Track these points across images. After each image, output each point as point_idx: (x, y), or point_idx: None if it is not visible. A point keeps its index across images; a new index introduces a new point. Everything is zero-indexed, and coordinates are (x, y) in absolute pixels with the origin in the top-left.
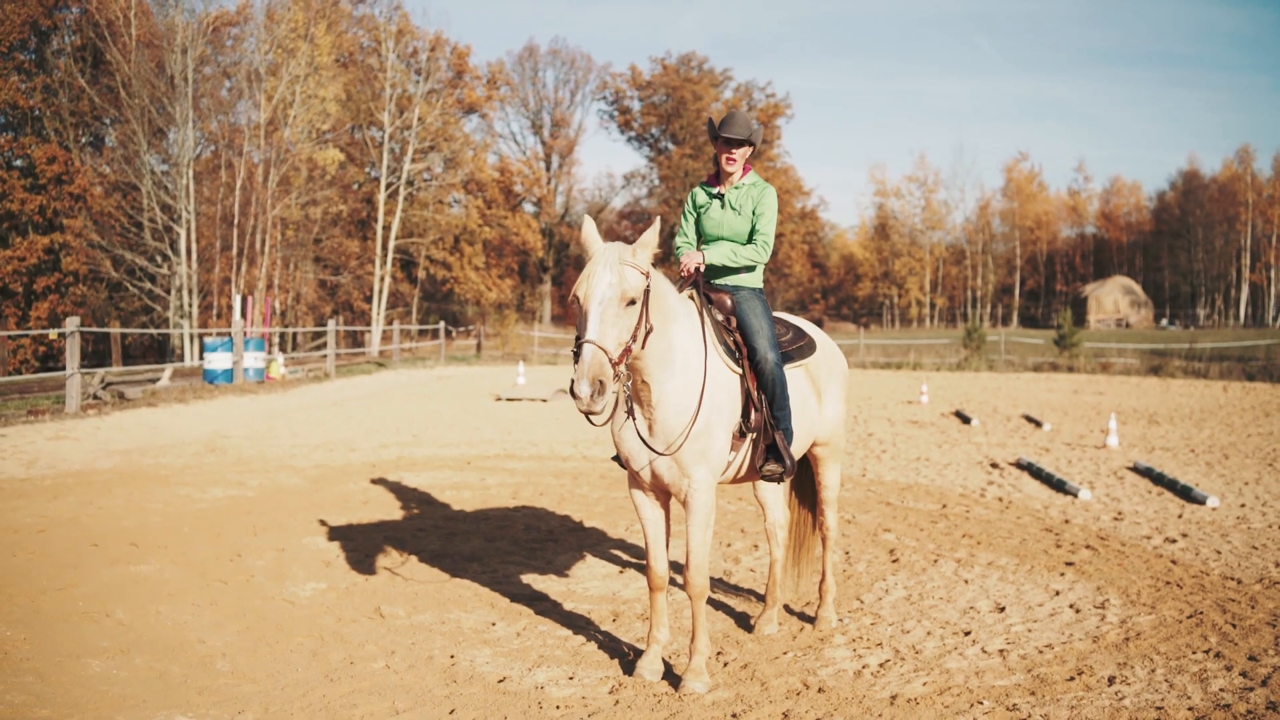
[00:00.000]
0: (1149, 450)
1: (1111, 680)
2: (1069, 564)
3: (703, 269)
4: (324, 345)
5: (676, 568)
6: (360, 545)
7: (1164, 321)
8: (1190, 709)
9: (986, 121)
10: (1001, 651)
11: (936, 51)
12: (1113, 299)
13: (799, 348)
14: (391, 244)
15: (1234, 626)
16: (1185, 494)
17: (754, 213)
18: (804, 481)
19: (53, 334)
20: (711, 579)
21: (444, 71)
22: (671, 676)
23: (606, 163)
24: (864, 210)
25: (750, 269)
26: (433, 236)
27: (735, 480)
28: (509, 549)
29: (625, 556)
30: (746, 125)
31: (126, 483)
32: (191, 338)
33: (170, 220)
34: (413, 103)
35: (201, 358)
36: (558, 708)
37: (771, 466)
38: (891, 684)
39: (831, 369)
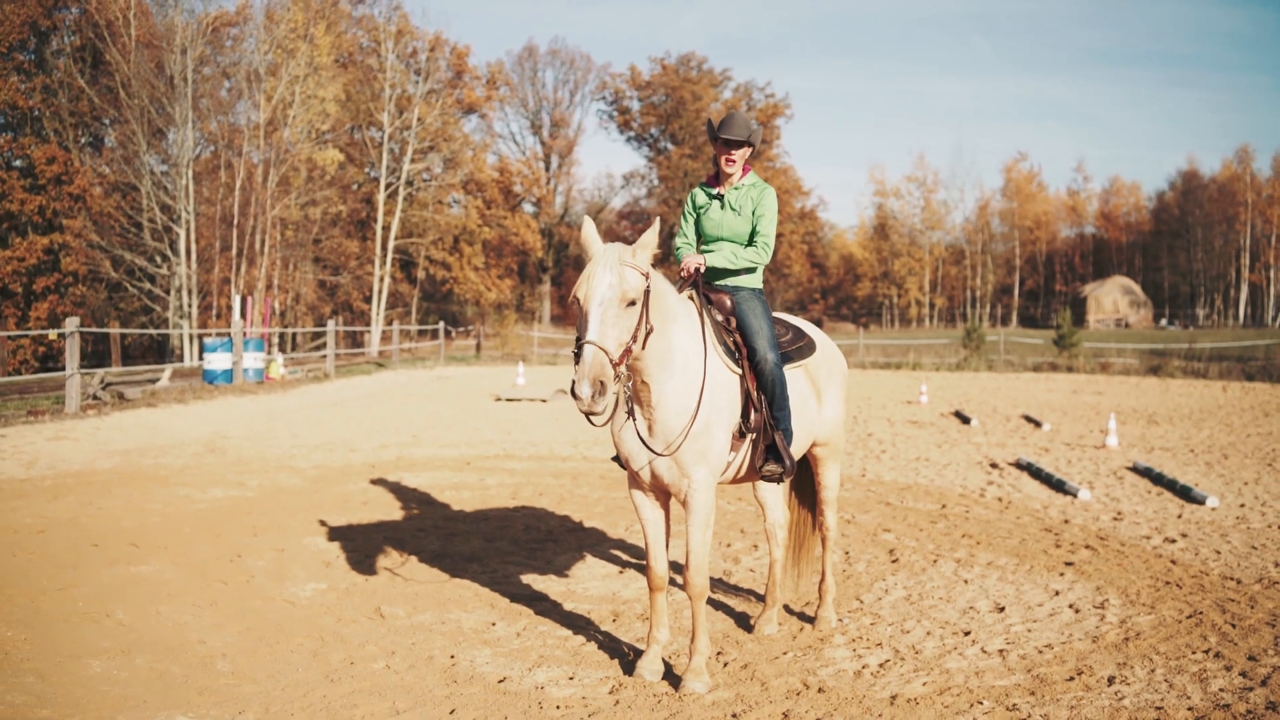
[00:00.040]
0: (1148, 450)
1: (1111, 680)
2: (1069, 564)
3: (703, 270)
4: (323, 345)
5: (676, 568)
6: (360, 546)
7: (1163, 321)
8: (1190, 709)
9: (986, 121)
10: (1001, 651)
11: (936, 51)
12: (1112, 299)
13: (799, 348)
14: (391, 244)
15: (1233, 626)
16: (1185, 494)
17: (754, 214)
18: (804, 482)
19: (52, 334)
20: (711, 579)
21: (443, 72)
22: (671, 676)
23: (606, 163)
24: (863, 210)
25: (751, 270)
26: (432, 237)
27: (735, 480)
28: (509, 549)
29: (625, 556)
30: (745, 126)
31: (126, 483)
32: (191, 338)
33: (170, 220)
34: (412, 103)
35: (201, 358)
36: (558, 708)
37: (771, 467)
38: (891, 684)
39: (831, 369)
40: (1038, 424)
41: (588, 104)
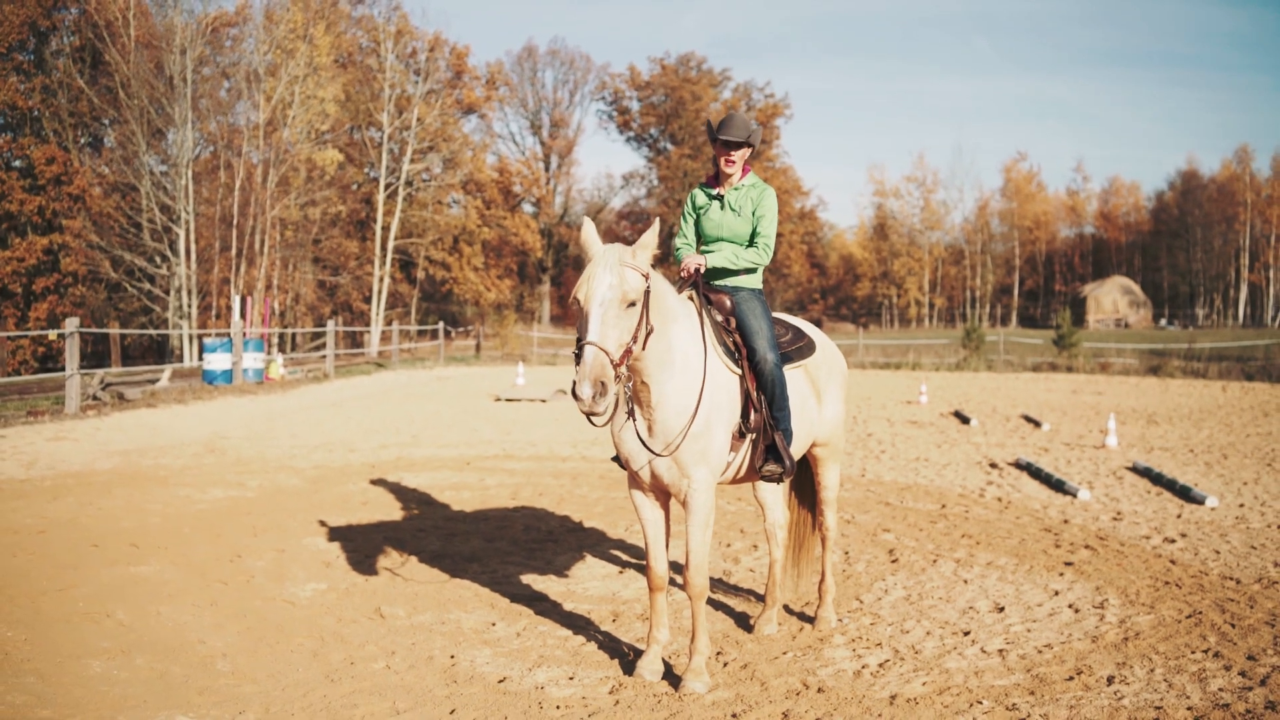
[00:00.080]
0: (1148, 450)
1: (1110, 680)
2: (1068, 564)
3: (703, 270)
4: (323, 346)
5: (676, 568)
6: (360, 546)
7: (1163, 321)
8: (1189, 708)
9: (985, 121)
10: (1001, 651)
11: (936, 51)
12: (1111, 299)
13: (798, 348)
14: (390, 244)
15: (1233, 626)
16: (1184, 494)
17: (754, 214)
18: (803, 482)
19: (52, 335)
20: (711, 579)
21: (443, 72)
22: (671, 676)
23: (605, 163)
24: (863, 210)
25: (750, 270)
26: (432, 237)
27: (735, 480)
28: (509, 549)
29: (625, 557)
30: (745, 127)
31: (126, 483)
32: (191, 338)
33: (169, 221)
34: (412, 103)
35: (201, 358)
36: (558, 708)
37: (771, 467)
38: (891, 684)
39: (831, 369)
40: (1037, 424)
41: (587, 104)
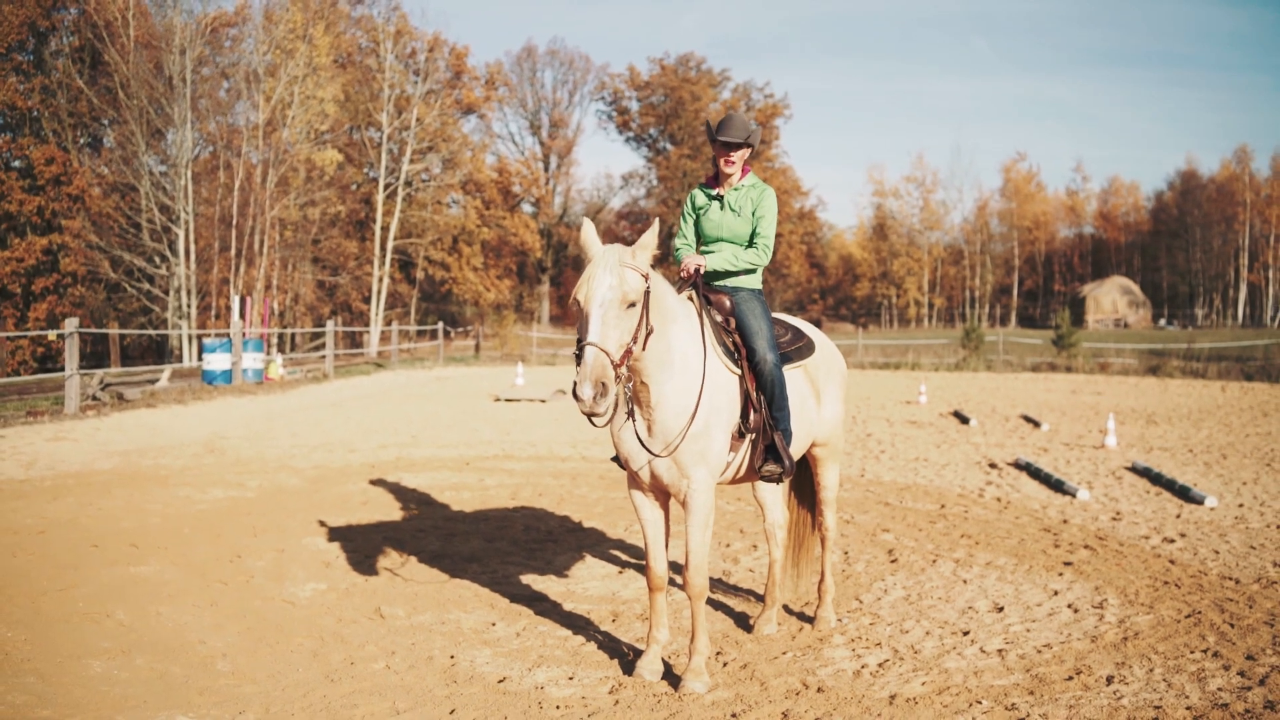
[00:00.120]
0: (1147, 450)
1: (1110, 680)
2: (1067, 564)
3: (703, 271)
4: (322, 346)
5: (676, 568)
6: (360, 546)
7: (1162, 321)
8: (1188, 708)
9: (985, 122)
10: (1000, 651)
11: (935, 52)
12: (1111, 299)
13: (798, 348)
14: (390, 244)
15: (1232, 626)
16: (1183, 494)
17: (754, 215)
18: (803, 482)
19: (51, 335)
20: (711, 579)
21: (442, 72)
22: (671, 676)
23: (605, 163)
24: (862, 210)
25: (750, 271)
26: (431, 237)
27: (734, 481)
28: (508, 549)
29: (624, 557)
30: (744, 127)
31: (126, 484)
32: (190, 339)
33: (169, 221)
34: (411, 103)
35: (200, 359)
36: (558, 708)
37: (770, 467)
38: (890, 684)
39: (830, 369)
40: (1036, 424)
41: (587, 104)
